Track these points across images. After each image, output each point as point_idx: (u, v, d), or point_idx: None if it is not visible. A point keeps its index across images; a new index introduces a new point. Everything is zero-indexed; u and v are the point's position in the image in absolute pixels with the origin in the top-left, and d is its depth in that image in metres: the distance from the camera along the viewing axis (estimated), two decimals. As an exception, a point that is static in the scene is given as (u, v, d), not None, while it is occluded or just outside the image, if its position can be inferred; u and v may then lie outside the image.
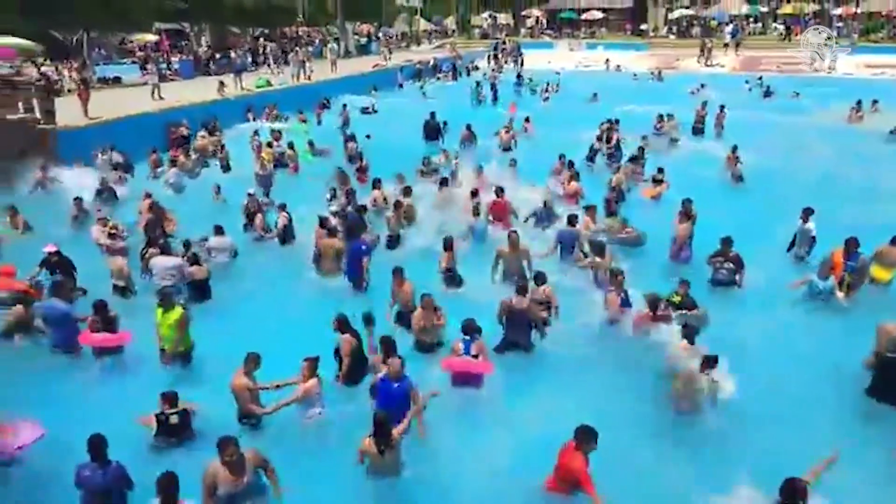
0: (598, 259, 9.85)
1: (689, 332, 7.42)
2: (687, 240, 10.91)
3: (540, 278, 8.86)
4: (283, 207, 12.17)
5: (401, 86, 33.15)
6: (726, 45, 42.33)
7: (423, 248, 11.14)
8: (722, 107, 21.21)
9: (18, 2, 26.71)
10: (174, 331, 7.91)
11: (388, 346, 7.03)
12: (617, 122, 19.14)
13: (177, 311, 7.95)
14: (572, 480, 5.43)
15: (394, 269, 8.95)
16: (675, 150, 18.93)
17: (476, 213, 11.74)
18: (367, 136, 19.36)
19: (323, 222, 10.83)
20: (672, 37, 50.19)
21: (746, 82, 31.43)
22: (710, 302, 9.06)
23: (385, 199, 12.96)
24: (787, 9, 49.55)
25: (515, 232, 10.04)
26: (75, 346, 8.22)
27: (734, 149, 16.03)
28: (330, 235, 10.49)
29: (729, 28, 46.28)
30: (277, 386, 7.05)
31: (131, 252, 10.80)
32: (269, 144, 17.46)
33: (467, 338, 7.58)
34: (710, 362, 6.83)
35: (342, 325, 7.48)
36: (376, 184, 13.38)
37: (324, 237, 10.54)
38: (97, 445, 5.48)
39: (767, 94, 28.89)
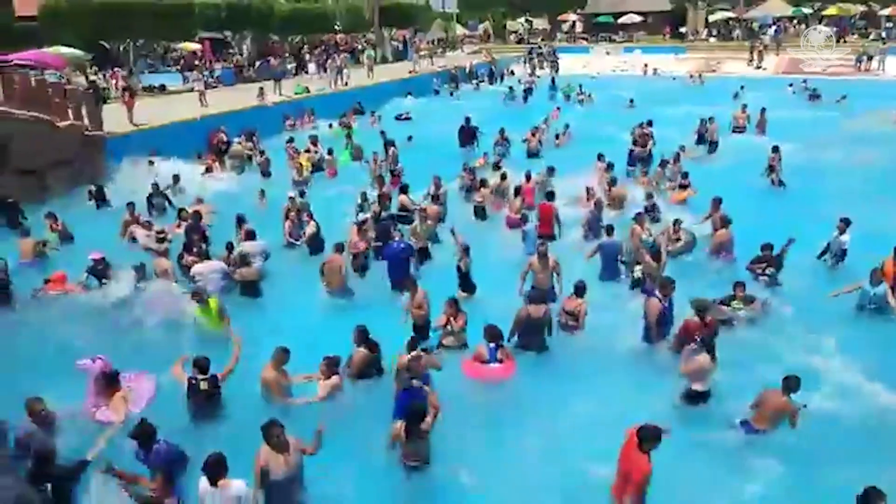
0: (652, 263, 9.68)
1: (710, 349, 7.15)
2: (728, 244, 10.73)
3: (579, 291, 8.72)
4: (310, 216, 12.20)
5: (436, 92, 33.25)
6: (766, 46, 41.29)
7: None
8: (763, 109, 20.74)
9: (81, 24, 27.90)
10: (218, 320, 8.40)
11: (414, 348, 7.07)
12: (650, 123, 18.86)
13: (213, 302, 8.44)
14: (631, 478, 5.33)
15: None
16: (716, 154, 18.57)
17: (525, 219, 11.81)
18: (409, 139, 19.47)
19: (360, 226, 11.03)
20: (712, 39, 49.25)
21: (790, 85, 30.68)
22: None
23: (412, 201, 13.07)
24: (832, 10, 48.15)
25: (545, 244, 9.83)
26: None
27: (775, 149, 15.66)
28: (337, 251, 10.24)
29: (771, 30, 45.23)
30: (307, 378, 7.34)
31: (173, 255, 11.05)
32: (307, 150, 17.72)
33: (492, 345, 7.64)
34: (793, 385, 6.48)
35: (359, 337, 7.52)
36: (403, 189, 13.49)
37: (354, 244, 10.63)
38: (143, 435, 5.69)
39: (814, 97, 28.03)
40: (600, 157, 15.51)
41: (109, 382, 6.80)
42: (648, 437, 5.29)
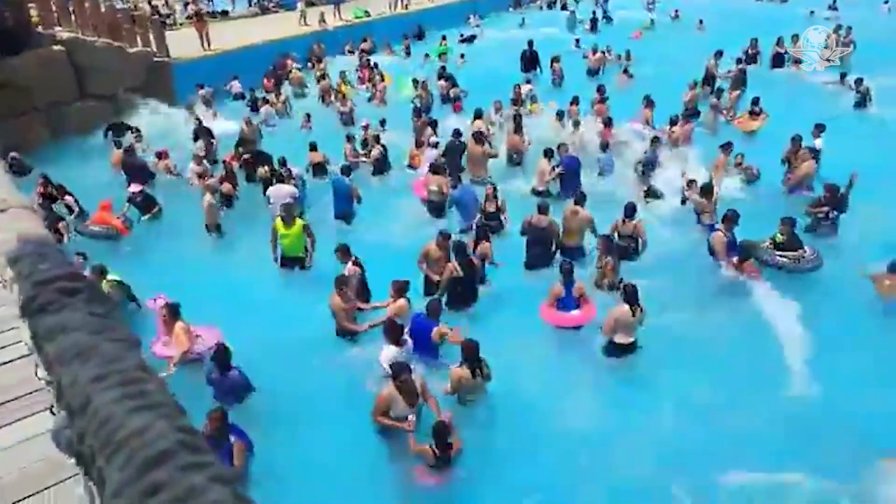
0: (703, 200, 9.61)
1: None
2: (811, 177, 10.45)
3: (630, 212, 8.75)
4: (376, 139, 12.71)
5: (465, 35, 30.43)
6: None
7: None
8: (849, 28, 19.18)
9: None
10: (299, 238, 8.87)
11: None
12: (720, 54, 17.59)
13: (298, 223, 8.86)
14: None
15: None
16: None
17: (604, 147, 11.76)
18: (462, 56, 19.38)
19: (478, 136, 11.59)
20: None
21: (885, 2, 27.98)
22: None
23: (490, 125, 13.23)
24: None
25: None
26: None
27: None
28: (478, 142, 11.25)
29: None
30: (373, 307, 7.69)
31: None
32: (346, 81, 18.07)
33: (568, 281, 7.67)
34: None
35: (344, 254, 7.98)
36: (478, 113, 13.26)
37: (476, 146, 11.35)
38: (221, 356, 6.20)
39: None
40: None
41: (170, 315, 6.95)
42: None
